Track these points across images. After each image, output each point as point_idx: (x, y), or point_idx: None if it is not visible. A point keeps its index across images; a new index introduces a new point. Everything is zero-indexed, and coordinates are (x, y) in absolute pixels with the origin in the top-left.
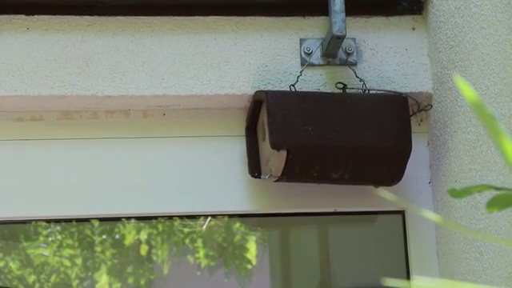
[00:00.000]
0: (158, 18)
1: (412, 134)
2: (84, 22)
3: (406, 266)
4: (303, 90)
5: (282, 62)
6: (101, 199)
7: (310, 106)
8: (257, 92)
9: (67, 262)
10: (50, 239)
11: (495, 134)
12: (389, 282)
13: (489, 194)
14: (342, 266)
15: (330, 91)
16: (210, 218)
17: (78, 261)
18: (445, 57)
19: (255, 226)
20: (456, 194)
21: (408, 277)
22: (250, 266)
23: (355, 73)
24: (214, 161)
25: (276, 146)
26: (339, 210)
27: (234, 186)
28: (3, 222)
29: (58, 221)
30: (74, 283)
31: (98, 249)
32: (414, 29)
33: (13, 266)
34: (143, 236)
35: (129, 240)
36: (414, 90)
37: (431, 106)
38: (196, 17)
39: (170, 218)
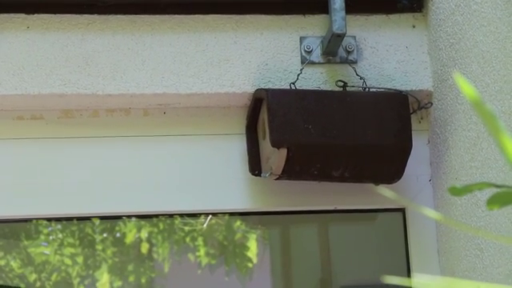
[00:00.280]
0: (158, 16)
1: (412, 132)
2: (84, 20)
3: (407, 263)
4: (303, 88)
5: (282, 60)
6: (101, 198)
7: (310, 104)
8: (257, 90)
9: (68, 261)
10: (50, 238)
11: (495, 132)
12: (389, 279)
13: (489, 192)
14: (342, 263)
15: (330, 89)
16: (210, 216)
17: (79, 259)
18: (445, 54)
19: (256, 224)
20: (456, 191)
21: (408, 274)
22: (250, 264)
23: (355, 71)
24: (215, 159)
25: (276, 144)
26: (340, 208)
27: (235, 184)
28: (4, 220)
29: (58, 219)
30: (75, 281)
31: (99, 247)
32: (414, 27)
33: (14, 264)
34: (144, 234)
35: (129, 238)
36: (414, 88)
37: (431, 104)
38: (196, 15)
39: (171, 216)
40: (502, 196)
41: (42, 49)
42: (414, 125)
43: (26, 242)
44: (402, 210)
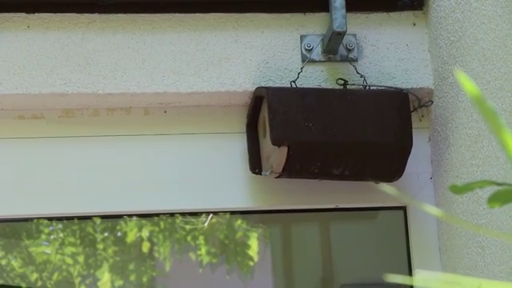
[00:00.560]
0: (158, 15)
1: (413, 130)
2: (85, 19)
3: (408, 261)
4: (304, 86)
5: (282, 58)
6: (102, 197)
7: (310, 103)
8: (257, 88)
9: (69, 260)
10: (51, 237)
11: (496, 129)
12: (391, 277)
13: (490, 190)
14: (343, 261)
15: (330, 87)
16: (211, 214)
17: (80, 258)
18: (445, 52)
19: (257, 222)
20: (457, 190)
21: (410, 272)
22: (251, 263)
23: (356, 69)
24: (215, 158)
25: (277, 142)
26: (341, 206)
27: (235, 183)
28: (5, 220)
29: (59, 219)
30: (76, 281)
31: (100, 246)
32: (414, 24)
33: (15, 264)
34: (145, 233)
35: (131, 237)
36: (414, 86)
37: (432, 102)
38: (196, 14)
39: (172, 215)
40: (503, 194)
41: (43, 48)
42: (415, 123)
43: (27, 242)
44: (403, 208)
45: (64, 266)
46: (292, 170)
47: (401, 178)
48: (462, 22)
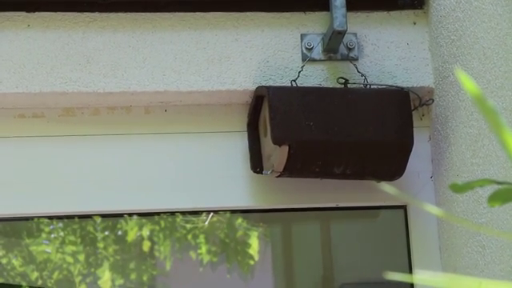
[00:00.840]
0: (158, 14)
1: (414, 129)
2: (85, 18)
3: (409, 260)
4: (304, 85)
5: (283, 57)
6: (103, 196)
7: (311, 101)
8: (258, 87)
9: (70, 259)
10: (52, 236)
11: (497, 128)
12: (391, 276)
13: (491, 189)
14: (344, 260)
15: (331, 86)
16: (212, 213)
17: (81, 257)
18: (446, 51)
19: (257, 221)
20: (458, 188)
21: (410, 271)
22: (252, 262)
23: (356, 68)
24: (216, 157)
25: (278, 141)
26: (341, 205)
27: (236, 182)
28: (5, 218)
29: (60, 217)
30: (77, 280)
31: (101, 245)
32: (415, 23)
33: (15, 262)
34: (145, 232)
35: (131, 236)
36: (415, 85)
37: (433, 101)
38: (197, 13)
39: (172, 214)
40: (504, 193)
41: (43, 47)
42: (416, 122)
43: (27, 241)
44: (404, 207)
45: (64, 265)
46: (293, 169)
47: (401, 177)
48: (463, 21)
